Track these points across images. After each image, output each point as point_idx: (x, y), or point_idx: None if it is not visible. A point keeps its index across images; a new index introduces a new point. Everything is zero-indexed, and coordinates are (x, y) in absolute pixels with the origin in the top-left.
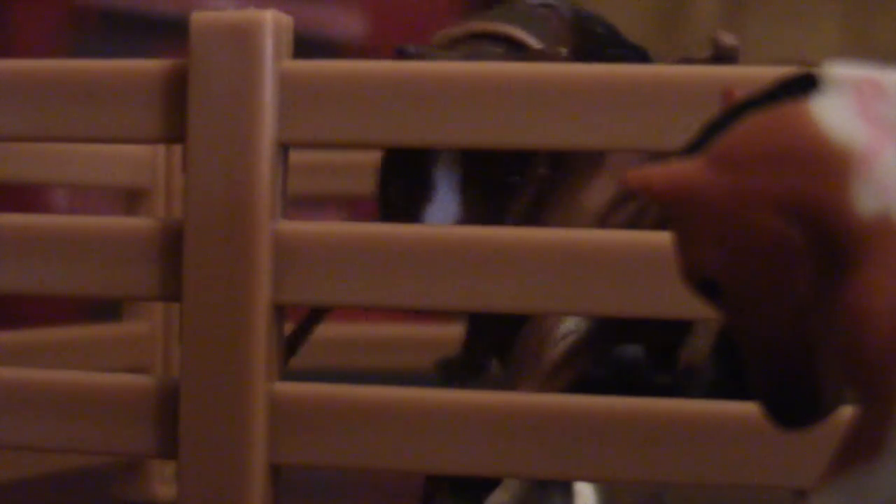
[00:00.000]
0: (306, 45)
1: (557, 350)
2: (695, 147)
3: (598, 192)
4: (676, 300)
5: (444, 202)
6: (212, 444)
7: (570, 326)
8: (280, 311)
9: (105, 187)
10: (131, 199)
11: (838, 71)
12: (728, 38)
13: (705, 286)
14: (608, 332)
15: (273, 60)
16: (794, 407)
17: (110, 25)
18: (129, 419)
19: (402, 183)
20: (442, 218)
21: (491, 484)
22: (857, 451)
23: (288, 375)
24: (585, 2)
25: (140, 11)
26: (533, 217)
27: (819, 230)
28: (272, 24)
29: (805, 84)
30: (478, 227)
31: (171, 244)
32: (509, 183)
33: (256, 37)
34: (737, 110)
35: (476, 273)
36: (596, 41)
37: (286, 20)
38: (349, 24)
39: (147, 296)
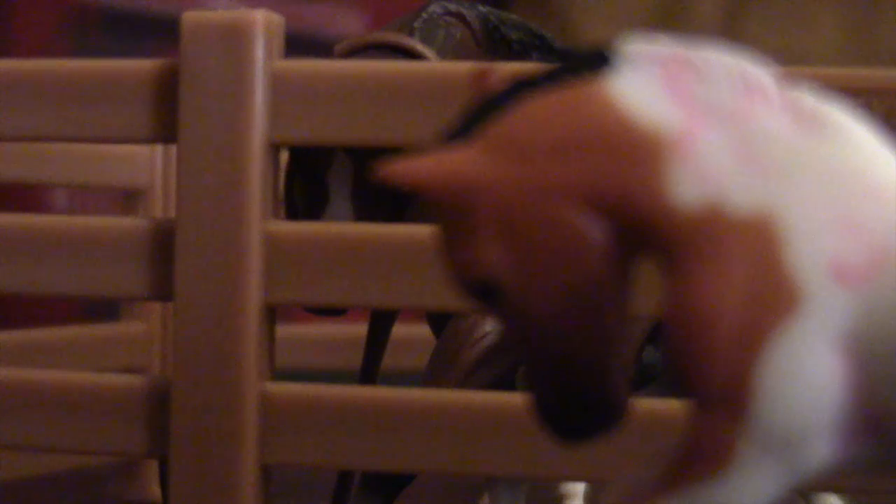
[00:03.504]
0: (304, 45)
1: (475, 350)
2: (458, 133)
3: None
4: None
5: (338, 208)
6: (203, 444)
7: (489, 327)
8: (271, 311)
9: (104, 187)
10: (130, 199)
11: (636, 47)
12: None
13: (481, 289)
14: None
15: (264, 60)
16: (581, 419)
17: (111, 25)
18: (120, 419)
19: (302, 185)
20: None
21: (403, 481)
22: (698, 463)
23: (280, 375)
24: (586, 1)
25: (141, 11)
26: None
27: (629, 224)
28: (263, 23)
29: (594, 62)
30: None
31: (163, 244)
32: (401, 192)
33: (247, 37)
34: (510, 92)
35: None
36: (512, 48)
37: (277, 20)
38: (348, 24)
39: (139, 295)
